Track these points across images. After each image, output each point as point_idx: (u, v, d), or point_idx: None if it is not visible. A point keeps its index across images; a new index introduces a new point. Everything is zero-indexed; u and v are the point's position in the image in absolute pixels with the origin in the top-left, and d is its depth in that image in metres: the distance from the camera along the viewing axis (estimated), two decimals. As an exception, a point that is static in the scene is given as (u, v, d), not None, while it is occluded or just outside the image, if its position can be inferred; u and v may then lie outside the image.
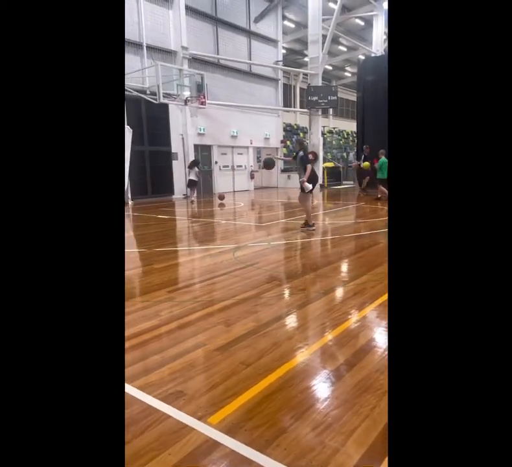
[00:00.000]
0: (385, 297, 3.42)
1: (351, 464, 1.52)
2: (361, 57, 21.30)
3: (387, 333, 2.72)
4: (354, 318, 3.00)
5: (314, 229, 6.72)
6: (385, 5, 18.37)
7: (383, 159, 10.27)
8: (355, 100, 17.68)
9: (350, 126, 26.42)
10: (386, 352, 2.42)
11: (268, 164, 7.41)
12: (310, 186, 6.43)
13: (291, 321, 3.00)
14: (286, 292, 3.69)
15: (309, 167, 6.42)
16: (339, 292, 3.65)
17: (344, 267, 4.60)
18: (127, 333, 2.78)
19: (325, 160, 18.25)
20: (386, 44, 20.81)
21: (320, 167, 16.72)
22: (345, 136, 27.70)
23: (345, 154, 22.27)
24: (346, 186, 17.49)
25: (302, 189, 6.50)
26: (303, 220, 7.09)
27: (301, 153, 6.62)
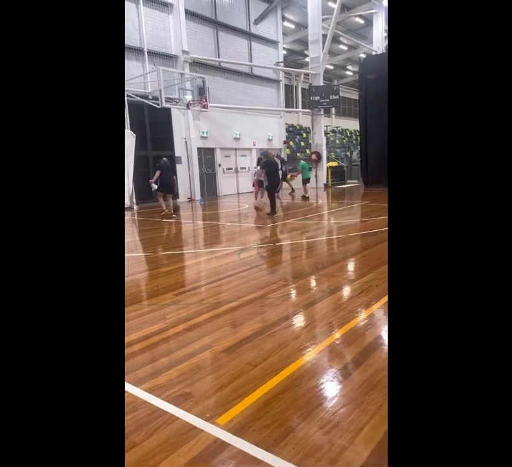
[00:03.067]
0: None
1: (360, 461, 1.52)
2: (362, 55, 21.25)
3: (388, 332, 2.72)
4: (360, 316, 2.99)
5: (174, 216, 9.21)
6: (385, 3, 18.32)
7: (302, 163, 11.94)
8: (357, 98, 17.64)
9: (353, 124, 26.34)
10: (393, 350, 2.42)
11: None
12: (155, 186, 9.06)
13: (297, 321, 3.00)
14: (292, 292, 3.69)
15: (158, 172, 9.00)
16: (345, 291, 3.65)
17: (349, 266, 4.59)
18: (135, 336, 2.80)
19: (328, 159, 18.22)
20: (387, 42, 20.75)
21: (324, 166, 16.69)
22: (349, 135, 27.62)
23: (348, 153, 22.21)
24: (350, 185, 17.44)
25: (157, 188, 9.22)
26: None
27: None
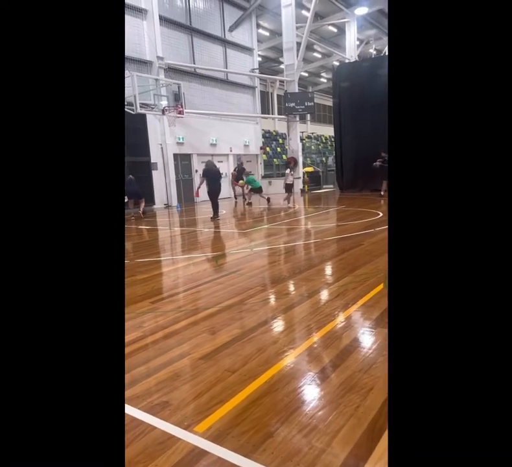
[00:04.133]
0: (366, 298, 3.47)
1: (337, 464, 1.54)
2: (336, 63, 21.70)
3: (372, 333, 2.77)
4: (337, 319, 3.03)
5: (133, 218, 10.70)
6: (357, 12, 18.78)
7: (249, 177, 13.07)
8: (331, 105, 17.95)
9: (329, 130, 26.80)
10: (369, 351, 2.46)
11: None
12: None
13: (275, 325, 3.01)
14: (270, 297, 3.71)
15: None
16: (322, 295, 3.69)
17: (326, 270, 4.65)
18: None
19: (304, 165, 18.45)
20: (359, 50, 21.27)
21: (301, 172, 16.88)
22: (324, 141, 28.06)
23: (324, 159, 22.55)
24: (326, 190, 17.68)
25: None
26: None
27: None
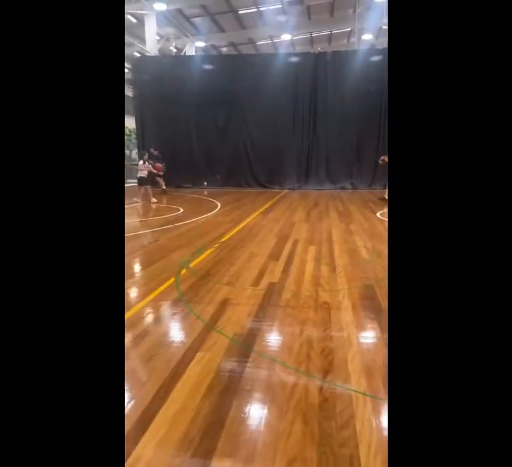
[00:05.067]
0: (157, 291, 3.69)
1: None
2: (137, 54, 21.24)
3: (162, 323, 2.97)
4: (127, 314, 3.14)
5: None
6: (155, 7, 18.70)
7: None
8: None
9: (132, 122, 26.07)
10: (155, 338, 2.66)
11: None
12: None
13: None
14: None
15: None
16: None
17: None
18: None
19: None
20: (160, 45, 21.33)
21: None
22: (128, 133, 27.13)
23: (128, 152, 21.88)
24: (131, 184, 17.27)
25: None
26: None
27: None
